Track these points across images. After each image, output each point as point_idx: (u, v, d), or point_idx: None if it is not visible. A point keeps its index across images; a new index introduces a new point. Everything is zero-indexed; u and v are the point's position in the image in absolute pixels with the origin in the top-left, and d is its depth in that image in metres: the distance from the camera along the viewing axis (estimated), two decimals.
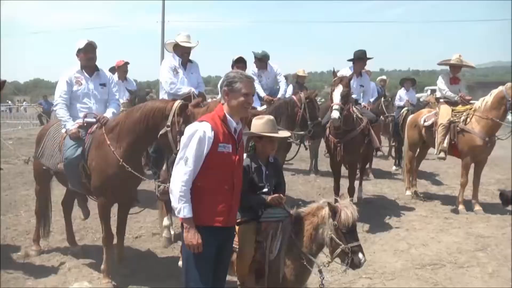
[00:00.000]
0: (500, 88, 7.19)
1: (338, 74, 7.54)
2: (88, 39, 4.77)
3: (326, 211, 3.13)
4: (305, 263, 3.20)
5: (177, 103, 4.08)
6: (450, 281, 4.76)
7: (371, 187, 9.36)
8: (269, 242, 3.29)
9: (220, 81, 3.24)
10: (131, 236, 5.99)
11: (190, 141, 2.91)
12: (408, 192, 8.59)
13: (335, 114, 6.01)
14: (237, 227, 3.34)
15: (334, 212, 3.07)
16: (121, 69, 8.45)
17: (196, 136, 2.90)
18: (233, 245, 3.37)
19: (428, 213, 7.48)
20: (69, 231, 5.54)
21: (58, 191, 6.92)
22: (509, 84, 7.10)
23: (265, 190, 3.45)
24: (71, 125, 4.59)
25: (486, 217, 7.17)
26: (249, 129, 3.56)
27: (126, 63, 8.48)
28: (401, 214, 7.40)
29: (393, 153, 12.48)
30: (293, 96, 6.69)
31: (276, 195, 3.35)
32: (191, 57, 5.94)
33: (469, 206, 7.57)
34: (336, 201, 3.17)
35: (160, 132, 4.06)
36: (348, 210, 3.04)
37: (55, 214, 6.43)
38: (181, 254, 5.23)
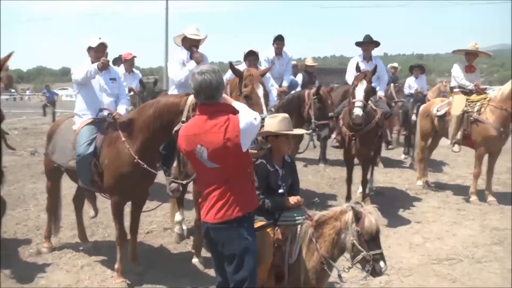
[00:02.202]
0: None
1: (350, 64, 7.44)
2: (101, 38, 4.65)
3: (349, 216, 3.03)
4: (325, 267, 3.13)
5: (191, 97, 3.96)
6: (468, 277, 4.69)
7: (381, 177, 9.26)
8: (288, 246, 3.21)
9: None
10: (142, 231, 5.93)
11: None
12: (419, 182, 8.49)
13: (358, 111, 5.87)
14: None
15: (357, 217, 2.98)
16: (128, 63, 8.33)
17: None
18: None
19: (440, 204, 7.39)
20: (81, 228, 5.48)
21: (65, 185, 6.91)
22: None
23: (281, 191, 3.37)
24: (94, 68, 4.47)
25: (499, 208, 7.08)
26: None
27: (134, 57, 8.36)
28: (413, 205, 7.31)
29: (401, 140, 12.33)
30: (305, 91, 6.51)
31: (294, 197, 3.27)
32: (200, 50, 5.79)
33: (481, 196, 7.49)
34: (360, 205, 3.07)
35: (175, 128, 3.95)
36: (372, 216, 2.95)
37: (64, 209, 6.40)
38: (194, 250, 5.23)
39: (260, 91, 4.11)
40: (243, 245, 2.87)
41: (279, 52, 7.89)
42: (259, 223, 3.23)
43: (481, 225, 6.29)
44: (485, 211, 6.93)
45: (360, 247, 2.98)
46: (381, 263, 2.99)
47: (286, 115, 3.45)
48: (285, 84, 7.78)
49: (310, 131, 6.12)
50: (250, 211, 2.97)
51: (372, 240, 2.97)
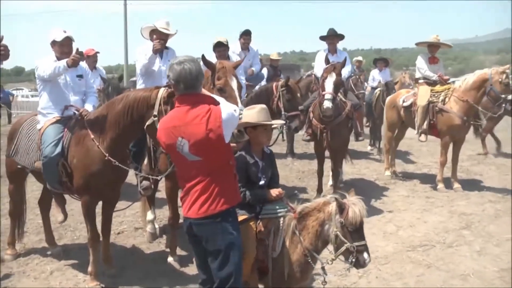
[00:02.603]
0: (486, 70, 7.26)
1: (318, 57, 7.47)
2: (66, 31, 4.39)
3: (333, 207, 3.00)
4: (309, 260, 3.09)
5: (162, 90, 3.83)
6: (442, 262, 4.80)
7: (349, 169, 9.34)
8: (271, 239, 3.15)
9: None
10: (112, 232, 5.63)
11: None
12: (388, 173, 8.65)
13: (327, 104, 5.88)
14: None
15: (341, 208, 2.95)
16: (91, 59, 7.99)
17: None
18: None
19: (409, 193, 7.57)
20: (48, 231, 5.21)
21: (28, 188, 6.57)
22: (495, 68, 7.18)
23: (262, 183, 3.32)
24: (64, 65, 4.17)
25: (465, 194, 7.32)
26: None
27: (96, 53, 8.04)
28: (383, 195, 7.45)
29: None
30: (273, 84, 6.46)
31: (276, 190, 3.21)
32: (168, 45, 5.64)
33: (447, 184, 7.72)
34: (343, 196, 3.04)
35: (147, 123, 3.81)
36: (356, 207, 2.91)
37: (28, 213, 6.08)
38: (168, 249, 5.09)
39: (234, 84, 4.02)
40: (228, 240, 2.79)
41: (245, 47, 7.86)
42: (240, 217, 3.16)
43: (449, 211, 6.47)
44: (452, 198, 7.15)
45: (343, 239, 2.95)
46: (365, 255, 2.96)
47: (264, 106, 3.39)
48: (253, 69, 7.73)
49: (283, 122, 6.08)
50: (234, 205, 2.89)
51: (355, 231, 2.94)
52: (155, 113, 3.77)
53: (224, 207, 2.77)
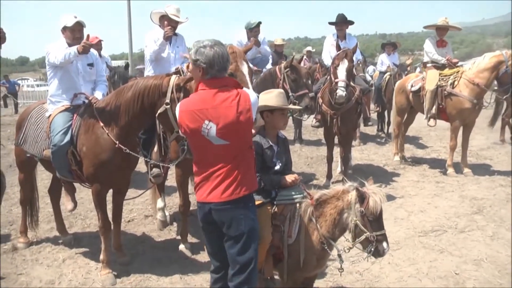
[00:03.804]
0: (498, 52, 7.12)
1: (326, 42, 7.36)
2: (76, 16, 4.31)
3: (353, 195, 2.94)
4: (326, 247, 3.05)
5: (174, 77, 3.79)
6: (455, 247, 4.77)
7: (358, 154, 9.34)
8: (287, 226, 3.11)
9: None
10: (123, 220, 5.66)
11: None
12: (397, 158, 8.59)
13: (341, 92, 5.84)
14: None
15: (362, 198, 2.90)
16: (95, 47, 7.89)
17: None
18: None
19: (419, 178, 7.51)
20: (59, 220, 5.22)
21: (39, 176, 6.58)
22: (509, 51, 7.03)
23: (277, 168, 3.27)
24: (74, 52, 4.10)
25: (475, 179, 7.26)
26: None
27: (100, 41, 7.95)
28: (393, 180, 7.41)
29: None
30: (276, 67, 6.36)
31: (292, 175, 3.17)
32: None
33: (457, 168, 7.65)
34: (362, 184, 2.99)
35: (159, 111, 3.77)
36: (376, 196, 2.86)
37: (39, 201, 6.11)
38: (179, 236, 5.09)
39: (245, 69, 3.96)
40: (250, 225, 2.77)
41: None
42: (256, 202, 3.13)
43: (460, 196, 6.42)
44: (462, 182, 7.09)
45: (363, 228, 2.91)
46: (384, 244, 2.91)
47: (281, 90, 3.36)
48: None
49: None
50: (254, 190, 2.87)
51: (375, 220, 2.90)
52: (167, 100, 3.73)
53: (247, 192, 2.76)
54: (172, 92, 3.71)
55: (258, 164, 3.10)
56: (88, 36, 4.16)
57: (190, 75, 4.17)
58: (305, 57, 11.63)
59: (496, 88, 7.80)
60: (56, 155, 4.22)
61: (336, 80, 5.93)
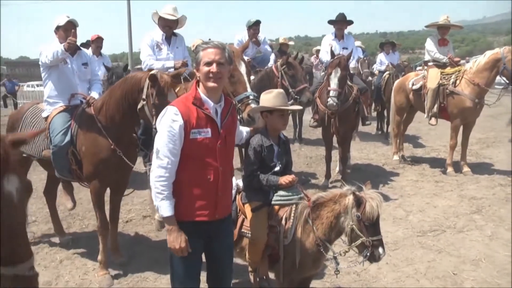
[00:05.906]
0: (497, 49, 7.10)
1: (324, 42, 7.34)
2: (69, 16, 4.30)
3: (350, 200, 2.92)
4: (322, 249, 3.03)
5: (149, 73, 3.78)
6: (453, 247, 4.75)
7: (357, 153, 9.32)
8: (283, 226, 3.10)
9: None
10: (121, 221, 5.66)
11: (159, 131, 2.54)
12: (396, 157, 8.57)
13: (332, 101, 5.91)
14: (248, 212, 3.15)
15: (358, 202, 2.87)
16: (95, 44, 7.91)
17: (164, 124, 2.50)
18: (244, 231, 3.19)
19: (418, 177, 7.49)
20: (56, 220, 5.22)
21: (36, 177, 6.58)
22: (507, 47, 7.00)
23: (277, 169, 3.24)
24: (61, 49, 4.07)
25: (475, 178, 7.24)
26: None
27: (100, 38, 7.95)
28: (392, 180, 7.39)
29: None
30: (272, 66, 6.35)
31: (289, 176, 3.14)
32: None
33: (456, 168, 7.63)
34: (360, 189, 2.97)
35: (138, 107, 3.81)
36: (373, 202, 2.83)
37: (36, 202, 6.11)
38: None
39: (243, 69, 3.94)
40: (231, 240, 2.92)
41: (254, 37, 7.68)
42: (254, 203, 3.12)
43: (459, 195, 6.40)
44: (461, 182, 7.07)
45: (359, 232, 2.88)
46: (380, 249, 2.89)
47: (281, 90, 3.33)
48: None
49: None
50: None
51: (372, 226, 2.87)
52: (144, 96, 3.75)
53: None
54: (147, 88, 3.72)
55: (256, 162, 3.08)
56: (73, 33, 4.15)
57: (177, 71, 4.14)
58: (314, 55, 11.64)
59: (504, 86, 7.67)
60: (56, 156, 4.22)
61: (329, 89, 5.98)
